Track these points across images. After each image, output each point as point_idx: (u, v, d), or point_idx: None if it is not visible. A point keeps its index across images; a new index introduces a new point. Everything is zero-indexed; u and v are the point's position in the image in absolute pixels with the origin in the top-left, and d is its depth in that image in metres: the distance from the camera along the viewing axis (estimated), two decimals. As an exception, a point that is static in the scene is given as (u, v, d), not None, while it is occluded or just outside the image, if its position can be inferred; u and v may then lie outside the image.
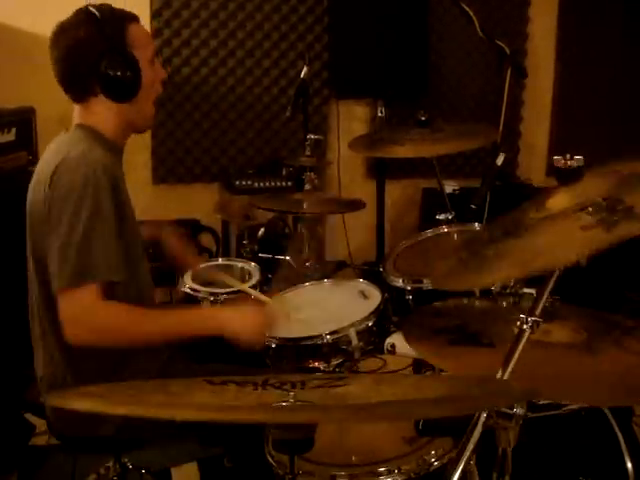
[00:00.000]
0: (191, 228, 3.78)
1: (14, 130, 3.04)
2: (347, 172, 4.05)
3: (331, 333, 2.09)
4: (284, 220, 3.49)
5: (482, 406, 1.14)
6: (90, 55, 1.80)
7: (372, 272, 3.26)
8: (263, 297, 2.23)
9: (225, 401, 1.09)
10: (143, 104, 1.91)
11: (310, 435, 1.10)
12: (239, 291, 2.53)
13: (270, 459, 1.61)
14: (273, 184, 3.68)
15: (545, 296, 1.32)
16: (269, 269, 2.74)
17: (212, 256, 3.76)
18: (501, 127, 2.96)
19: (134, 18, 1.90)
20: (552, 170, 1.43)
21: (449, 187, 3.62)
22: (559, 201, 1.41)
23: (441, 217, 2.61)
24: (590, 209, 1.28)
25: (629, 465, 1.75)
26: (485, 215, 2.94)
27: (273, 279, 2.60)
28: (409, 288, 2.34)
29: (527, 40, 4.21)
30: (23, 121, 3.12)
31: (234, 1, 3.82)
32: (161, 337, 1.81)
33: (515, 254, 1.36)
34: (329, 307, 2.33)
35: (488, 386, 1.16)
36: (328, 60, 3.97)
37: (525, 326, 1.29)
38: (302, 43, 3.95)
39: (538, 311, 1.30)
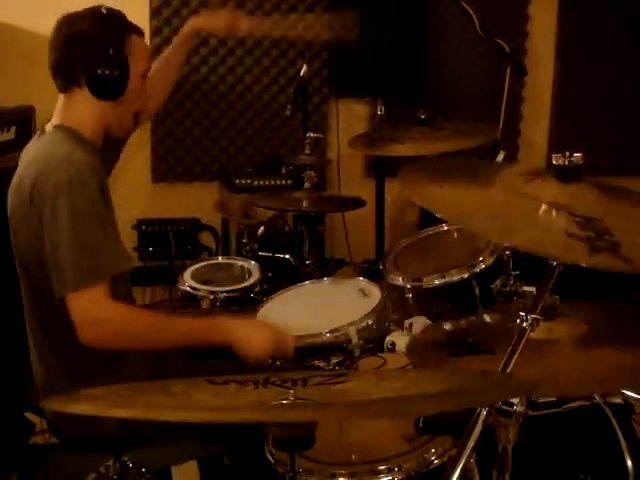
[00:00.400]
0: (191, 227, 3.79)
1: (14, 129, 3.04)
2: (347, 170, 4.04)
3: (331, 331, 2.09)
4: (284, 218, 3.49)
5: (484, 400, 1.14)
6: (86, 47, 1.82)
7: (372, 270, 3.26)
8: None
9: (226, 401, 1.09)
10: (123, 110, 1.92)
11: (310, 433, 1.10)
12: (238, 290, 2.54)
13: (270, 457, 1.61)
14: (273, 182, 3.68)
15: (545, 293, 1.32)
16: (269, 267, 2.75)
17: (212, 254, 3.77)
18: (501, 125, 2.95)
19: (139, 32, 1.93)
20: (550, 167, 1.43)
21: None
22: (550, 189, 1.40)
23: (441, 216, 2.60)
24: (580, 220, 1.28)
25: (629, 463, 1.75)
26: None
27: None
28: (409, 286, 2.35)
29: (527, 38, 4.20)
30: (23, 120, 3.12)
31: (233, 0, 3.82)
32: (173, 344, 1.82)
33: (497, 213, 1.35)
34: (329, 305, 2.33)
35: (489, 380, 1.16)
36: (328, 58, 3.97)
37: (525, 324, 1.29)
38: (301, 41, 3.95)
39: (538, 309, 1.30)
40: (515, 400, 1.21)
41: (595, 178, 1.44)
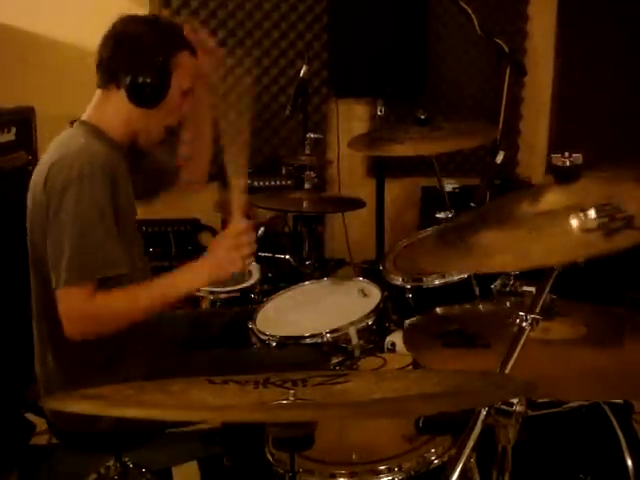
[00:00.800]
0: (191, 227, 3.79)
1: (14, 130, 3.04)
2: (347, 171, 4.04)
3: (331, 332, 2.09)
4: (284, 219, 3.49)
5: (483, 400, 1.14)
6: (134, 51, 1.83)
7: (372, 270, 3.27)
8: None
9: (225, 401, 1.09)
10: (155, 121, 1.91)
11: (310, 433, 1.11)
12: (238, 290, 2.54)
13: (270, 457, 1.61)
14: (273, 183, 3.68)
15: (544, 294, 1.32)
16: (269, 268, 2.75)
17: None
18: (500, 125, 2.95)
19: (193, 50, 1.92)
20: (550, 168, 1.43)
21: (449, 185, 3.62)
22: (555, 198, 1.40)
23: (441, 215, 2.61)
24: (591, 212, 1.28)
25: (629, 462, 1.75)
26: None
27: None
28: (409, 286, 2.35)
29: (526, 38, 4.20)
30: (23, 121, 3.12)
31: (233, 0, 3.82)
32: (151, 309, 1.83)
33: (510, 245, 1.36)
34: (329, 305, 2.34)
35: (489, 379, 1.16)
36: (327, 59, 3.97)
37: (524, 324, 1.29)
38: (301, 42, 3.96)
39: (537, 308, 1.30)
40: (515, 400, 1.21)
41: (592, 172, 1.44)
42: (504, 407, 1.21)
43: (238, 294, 2.55)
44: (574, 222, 1.30)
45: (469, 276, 2.27)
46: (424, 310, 2.25)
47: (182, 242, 3.73)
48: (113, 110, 1.88)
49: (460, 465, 1.20)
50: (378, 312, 2.21)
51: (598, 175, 1.44)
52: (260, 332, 2.14)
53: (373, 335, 2.18)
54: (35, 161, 3.06)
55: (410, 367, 1.97)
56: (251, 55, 3.90)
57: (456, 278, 2.28)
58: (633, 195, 1.32)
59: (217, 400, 1.10)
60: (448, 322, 1.74)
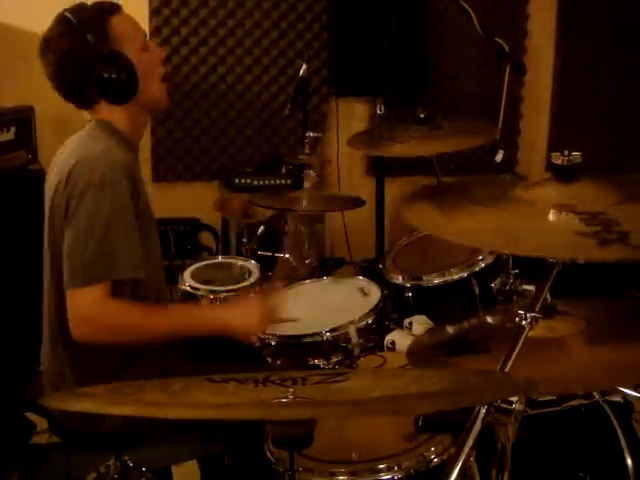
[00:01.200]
0: (191, 226, 3.79)
1: (13, 129, 3.04)
2: (346, 170, 4.05)
3: (331, 330, 2.09)
4: (284, 218, 3.49)
5: (483, 399, 1.14)
6: (78, 66, 1.79)
7: (372, 269, 3.26)
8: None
9: (225, 399, 1.09)
10: (147, 92, 1.89)
11: (310, 431, 1.11)
12: (238, 290, 2.54)
13: (270, 456, 1.61)
14: (272, 182, 3.68)
15: (544, 292, 1.32)
16: (269, 267, 2.75)
17: (212, 254, 3.77)
18: (500, 124, 2.95)
19: (114, 10, 1.85)
20: (549, 166, 1.43)
21: (448, 184, 3.61)
22: (550, 192, 1.40)
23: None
24: (586, 217, 1.28)
25: (629, 461, 1.75)
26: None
27: (272, 276, 2.60)
28: (408, 285, 2.35)
29: (526, 37, 4.20)
30: (22, 120, 3.12)
31: (233, -1, 3.83)
32: (165, 337, 1.82)
33: (501, 225, 1.36)
34: (329, 304, 2.34)
35: (488, 378, 1.16)
36: (327, 58, 3.97)
37: (524, 322, 1.29)
38: (301, 41, 3.95)
39: (537, 307, 1.30)
40: (514, 398, 1.21)
41: (594, 174, 1.44)
42: (504, 405, 1.21)
43: (238, 293, 2.55)
44: (567, 222, 1.30)
45: (469, 275, 2.27)
46: (424, 309, 2.27)
47: (182, 241, 3.73)
48: (112, 115, 1.87)
49: (459, 464, 1.20)
50: (378, 311, 2.21)
51: (600, 181, 1.44)
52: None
53: (373, 334, 2.18)
54: (35, 160, 3.07)
55: (410, 366, 1.97)
56: (251, 54, 3.90)
57: (456, 277, 2.29)
58: (632, 208, 1.32)
59: (217, 398, 1.10)
60: (450, 334, 1.75)
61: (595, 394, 1.81)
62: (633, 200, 1.37)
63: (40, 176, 2.03)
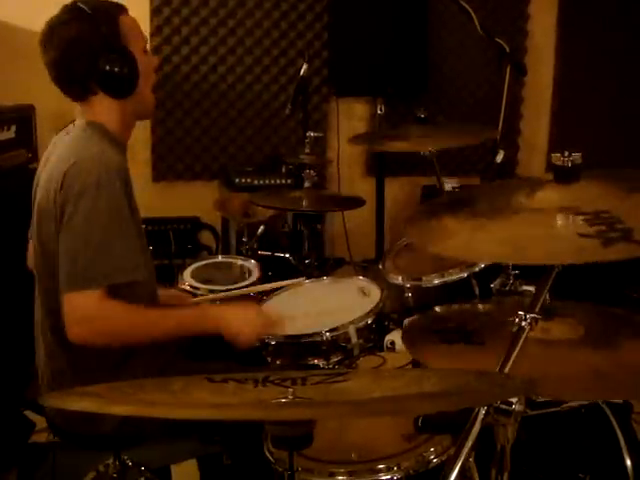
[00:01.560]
0: (191, 225, 3.79)
1: (14, 128, 3.04)
2: (347, 170, 4.05)
3: (330, 330, 2.09)
4: (284, 218, 3.49)
5: (483, 399, 1.14)
6: (85, 54, 1.78)
7: (372, 269, 3.26)
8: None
9: (224, 399, 1.09)
10: (143, 94, 1.90)
11: (309, 431, 1.11)
12: (238, 289, 2.54)
13: (269, 456, 1.61)
14: (273, 181, 3.68)
15: (544, 293, 1.32)
16: (269, 266, 2.75)
17: (212, 253, 3.77)
18: (501, 124, 2.95)
19: (123, 9, 1.86)
20: (550, 167, 1.43)
21: (448, 185, 3.62)
22: (552, 196, 1.40)
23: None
24: (589, 217, 1.28)
25: (628, 462, 1.75)
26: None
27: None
28: (408, 286, 2.35)
29: (527, 37, 4.21)
30: (23, 119, 3.12)
31: (234, -1, 3.83)
32: (161, 338, 1.82)
33: (506, 236, 1.35)
34: (328, 304, 2.33)
35: (488, 379, 1.16)
36: (328, 58, 3.98)
37: (524, 323, 1.29)
38: (302, 41, 3.96)
39: (537, 308, 1.30)
40: (514, 399, 1.21)
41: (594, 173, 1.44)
42: (503, 406, 1.21)
43: (237, 293, 2.54)
44: (570, 224, 1.30)
45: (468, 275, 2.27)
46: (423, 309, 2.26)
47: (182, 241, 3.74)
48: (105, 111, 1.86)
49: (459, 464, 1.20)
50: (378, 311, 2.21)
51: (601, 178, 1.44)
52: (259, 331, 2.14)
53: (372, 334, 2.17)
54: (35, 159, 3.07)
55: (409, 366, 1.97)
56: (252, 54, 3.90)
57: (455, 277, 2.28)
58: (635, 205, 1.32)
59: (216, 398, 1.10)
60: (448, 320, 1.75)
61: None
62: (634, 195, 1.37)
63: (40, 175, 2.01)
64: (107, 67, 1.78)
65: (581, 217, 1.29)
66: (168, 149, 3.90)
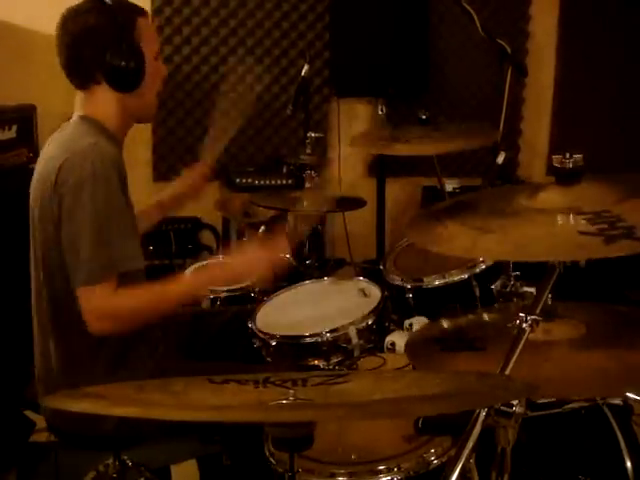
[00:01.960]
0: (191, 225, 3.79)
1: (15, 127, 3.04)
2: (348, 170, 4.04)
3: (331, 331, 2.09)
4: (285, 218, 3.48)
5: (483, 401, 1.14)
6: (98, 43, 1.80)
7: (372, 270, 3.26)
8: None
9: (225, 400, 1.09)
10: (145, 96, 1.91)
11: (310, 432, 1.11)
12: (239, 289, 2.54)
13: (269, 457, 1.61)
14: (274, 182, 3.68)
15: (545, 294, 1.32)
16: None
17: (212, 253, 3.77)
18: (502, 126, 2.95)
19: (144, 12, 1.90)
20: (551, 169, 1.43)
21: (449, 185, 3.62)
22: (554, 198, 1.40)
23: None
24: (590, 216, 1.28)
25: (628, 464, 1.75)
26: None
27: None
28: (409, 287, 2.35)
29: (528, 39, 4.20)
30: (24, 118, 3.12)
31: (235, -1, 3.83)
32: (179, 304, 1.92)
33: (508, 236, 1.36)
34: (329, 305, 2.33)
35: (488, 381, 1.16)
36: (329, 58, 3.97)
37: (524, 324, 1.29)
38: (303, 41, 3.96)
39: (537, 309, 1.30)
40: (514, 401, 1.21)
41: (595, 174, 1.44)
42: (504, 408, 1.21)
43: (238, 293, 2.55)
44: (572, 223, 1.30)
45: (469, 276, 2.27)
46: (424, 310, 2.26)
47: (182, 240, 3.73)
48: (104, 104, 1.87)
49: (459, 466, 1.20)
50: (378, 312, 2.21)
51: (602, 181, 1.44)
52: (260, 331, 2.14)
53: (373, 335, 2.17)
54: (36, 158, 3.07)
55: (409, 367, 1.97)
56: (253, 54, 3.90)
57: (456, 278, 2.28)
58: (635, 209, 1.32)
59: (217, 400, 1.10)
60: (449, 329, 1.75)
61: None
62: (635, 196, 1.37)
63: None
64: (114, 58, 1.80)
65: (583, 217, 1.29)
66: (169, 149, 3.90)
